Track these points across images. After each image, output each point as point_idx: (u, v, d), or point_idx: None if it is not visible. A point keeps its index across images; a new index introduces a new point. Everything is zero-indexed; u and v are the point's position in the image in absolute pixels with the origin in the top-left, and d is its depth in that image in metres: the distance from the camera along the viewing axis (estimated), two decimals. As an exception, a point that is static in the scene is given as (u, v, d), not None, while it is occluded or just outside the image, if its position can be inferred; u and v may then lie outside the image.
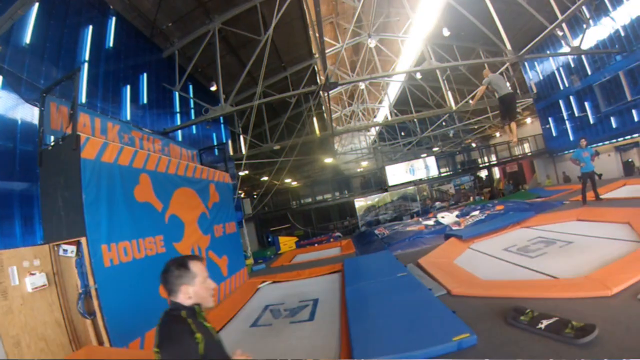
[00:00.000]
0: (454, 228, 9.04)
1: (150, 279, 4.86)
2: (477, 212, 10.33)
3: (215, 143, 12.38)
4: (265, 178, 20.09)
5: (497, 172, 20.83)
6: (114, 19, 8.16)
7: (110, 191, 4.56)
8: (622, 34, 11.77)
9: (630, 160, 14.00)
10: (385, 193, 16.23)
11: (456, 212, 11.00)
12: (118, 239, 4.50)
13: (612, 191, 10.29)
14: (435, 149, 21.03)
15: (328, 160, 18.54)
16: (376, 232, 10.72)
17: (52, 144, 4.52)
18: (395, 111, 17.09)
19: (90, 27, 7.38)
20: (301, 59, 12.73)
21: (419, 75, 14.37)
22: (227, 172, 8.54)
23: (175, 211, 5.83)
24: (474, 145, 21.02)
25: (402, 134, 20.41)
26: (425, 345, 2.92)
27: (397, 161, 18.13)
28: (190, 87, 11.40)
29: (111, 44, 8.02)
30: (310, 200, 17.29)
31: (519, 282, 4.28)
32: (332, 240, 13.17)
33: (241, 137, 13.68)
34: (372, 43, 12.19)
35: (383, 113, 19.76)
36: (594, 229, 5.93)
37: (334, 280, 6.62)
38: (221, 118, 13.39)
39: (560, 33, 12.66)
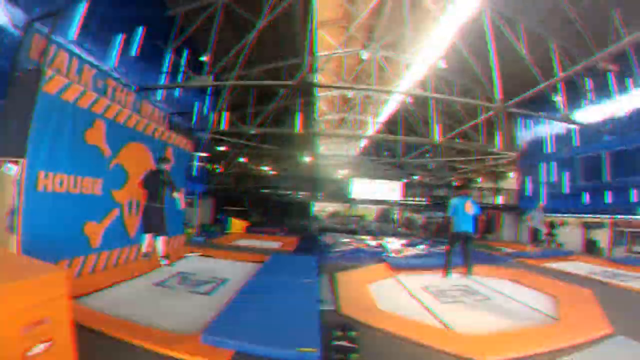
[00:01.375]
0: (391, 255, 9.80)
1: (78, 214, 5.64)
2: (423, 247, 11.17)
3: (195, 112, 13.12)
4: (242, 160, 21.02)
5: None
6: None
7: (60, 126, 5.27)
8: (617, 118, 12.55)
9: (594, 239, 14.88)
10: (352, 204, 17.12)
11: (403, 241, 11.82)
12: (56, 170, 5.21)
13: (563, 262, 10.66)
14: (415, 177, 22.05)
15: (307, 158, 19.41)
16: (322, 238, 11.53)
17: (21, 72, 5.24)
18: (383, 129, 17.98)
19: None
20: (299, 53, 13.53)
21: (409, 100, 15.26)
22: (190, 139, 9.24)
23: (122, 161, 6.57)
24: (455, 183, 22.04)
25: (387, 153, 21.34)
26: (271, 344, 3.31)
27: (371, 177, 19.04)
28: (186, 52, 12.11)
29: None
30: (273, 191, 18.04)
31: (405, 320, 4.49)
32: (280, 234, 13.95)
33: (222, 113, 14.39)
34: (364, 55, 13.00)
35: (374, 128, 20.68)
36: (520, 293, 6.31)
37: (254, 268, 7.31)
38: (209, 90, 14.18)
39: (557, 99, 13.57)
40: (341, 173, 20.25)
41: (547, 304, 5.51)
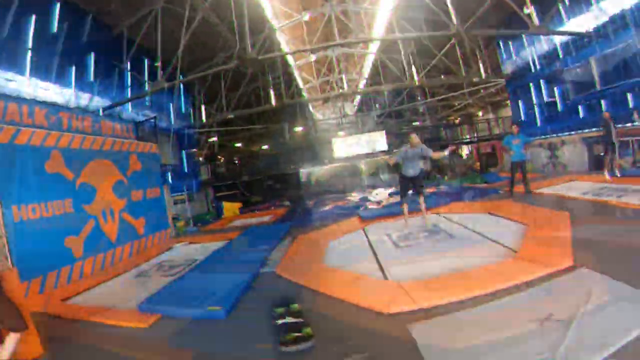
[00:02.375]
0: (369, 207, 10.57)
1: (56, 232, 7.05)
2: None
3: (171, 112, 14.31)
4: (238, 144, 22.28)
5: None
6: (58, 5, 9.83)
7: (22, 166, 6.59)
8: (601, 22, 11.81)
9: (601, 154, 14.37)
10: (337, 164, 17.84)
11: (390, 190, 12.47)
12: (28, 202, 6.55)
13: (556, 185, 10.62)
14: (415, 123, 22.06)
15: (298, 129, 20.23)
16: (309, 204, 12.54)
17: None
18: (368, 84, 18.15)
19: (35, 15, 9.16)
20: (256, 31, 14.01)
21: (373, 48, 15.30)
22: (155, 143, 10.44)
23: (87, 179, 7.86)
24: (457, 122, 21.83)
25: (377, 106, 21.45)
26: (189, 307, 4.09)
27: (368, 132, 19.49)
28: (145, 62, 13.10)
29: (57, 28, 9.79)
30: (264, 170, 19.21)
31: (341, 274, 4.72)
32: (272, 208, 15.15)
33: (199, 107, 15.46)
34: (305, 16, 13.15)
35: (361, 84, 20.82)
36: (492, 225, 6.24)
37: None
38: (181, 88, 15.23)
39: (527, 11, 12.97)
40: (339, 135, 20.86)
41: (516, 234, 5.30)
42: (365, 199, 11.77)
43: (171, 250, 9.18)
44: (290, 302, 3.67)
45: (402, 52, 14.56)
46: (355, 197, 12.63)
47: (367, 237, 6.93)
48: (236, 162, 21.22)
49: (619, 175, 8.82)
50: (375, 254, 5.61)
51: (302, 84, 20.31)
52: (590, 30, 12.13)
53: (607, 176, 8.99)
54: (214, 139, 18.62)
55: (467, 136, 20.22)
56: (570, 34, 12.75)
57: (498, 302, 3.12)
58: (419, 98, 19.57)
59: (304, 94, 20.81)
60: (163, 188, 10.57)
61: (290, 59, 17.18)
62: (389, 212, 8.79)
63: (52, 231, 6.93)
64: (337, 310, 3.53)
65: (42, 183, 6.89)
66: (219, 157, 21.05)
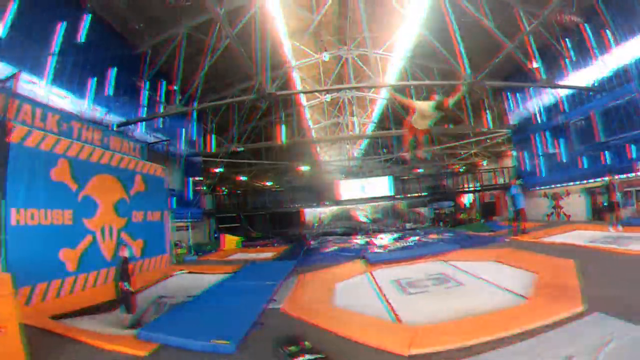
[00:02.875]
0: (373, 251, 10.19)
1: (52, 242, 6.63)
2: (414, 238, 11.53)
3: (183, 137, 14.30)
4: (244, 177, 22.15)
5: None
6: (90, 16, 10.13)
7: (28, 169, 6.34)
8: (604, 75, 12.35)
9: (603, 204, 14.36)
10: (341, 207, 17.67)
11: (395, 235, 12.22)
12: (28, 206, 6.23)
13: (561, 234, 10.48)
14: (420, 170, 22.24)
15: (304, 168, 20.26)
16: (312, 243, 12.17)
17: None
18: (376, 128, 18.49)
19: (65, 23, 9.37)
20: (273, 67, 14.45)
21: (384, 93, 15.75)
22: (162, 167, 10.24)
23: (91, 193, 7.57)
24: (460, 171, 22.04)
25: (385, 150, 21.72)
26: (190, 337, 3.84)
27: (373, 175, 19.57)
28: (164, 84, 13.30)
29: (84, 39, 9.99)
30: (267, 205, 19.03)
31: (351, 315, 4.66)
32: (275, 245, 14.67)
33: (210, 135, 15.52)
34: (325, 57, 13.67)
35: (370, 127, 21.28)
36: (499, 273, 6.29)
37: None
38: (194, 115, 15.37)
39: (535, 67, 13.52)
40: (341, 177, 20.87)
41: (525, 282, 5.30)
42: (369, 244, 11.44)
43: (171, 279, 8.64)
44: (301, 340, 3.61)
45: (414, 98, 14.90)
46: (358, 240, 12.29)
47: (375, 280, 6.83)
48: (239, 194, 20.92)
49: (620, 229, 9.10)
50: (385, 297, 5.54)
51: (312, 123, 20.65)
52: (593, 84, 12.65)
53: (610, 229, 9.35)
54: (219, 169, 18.44)
55: (471, 185, 20.24)
56: (574, 87, 13.26)
57: (517, 346, 3.11)
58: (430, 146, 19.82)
59: (314, 133, 21.08)
60: (164, 213, 10.18)
61: (303, 98, 17.62)
62: (395, 257, 8.75)
63: (48, 240, 6.54)
64: (353, 352, 3.45)
65: (45, 190, 6.63)
66: (222, 188, 20.73)
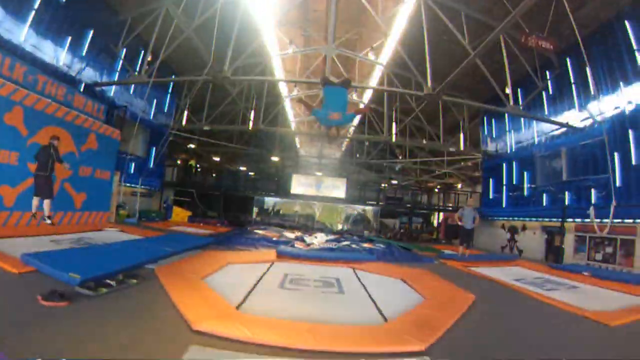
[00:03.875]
0: (296, 246, 11.28)
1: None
2: (345, 242, 12.87)
3: (153, 107, 15.76)
4: (217, 159, 23.61)
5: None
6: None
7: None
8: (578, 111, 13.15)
9: (562, 246, 15.35)
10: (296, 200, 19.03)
11: (330, 237, 13.57)
12: (-24, 143, 7.66)
13: (497, 267, 11.09)
14: (394, 181, 23.59)
15: (275, 158, 21.72)
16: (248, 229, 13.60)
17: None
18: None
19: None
20: (255, 54, 15.78)
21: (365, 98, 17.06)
22: (118, 130, 11.64)
23: (40, 140, 8.95)
24: (436, 189, 23.35)
25: (357, 155, 23.07)
26: (56, 267, 4.82)
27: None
28: (142, 52, 14.67)
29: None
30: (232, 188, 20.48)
31: (201, 291, 5.09)
32: (219, 225, 16.10)
33: (184, 111, 16.92)
34: (289, 50, 14.86)
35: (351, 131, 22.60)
36: (391, 292, 6.64)
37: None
38: (169, 87, 16.81)
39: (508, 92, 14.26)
40: (316, 173, 22.20)
41: (403, 307, 5.34)
42: (300, 239, 12.75)
43: (101, 232, 10.02)
44: (132, 277, 4.88)
45: (385, 106, 16.17)
46: (291, 235, 13.64)
47: (266, 271, 7.40)
48: (202, 172, 22.58)
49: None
50: (254, 287, 5.97)
51: (292, 116, 21.99)
52: (567, 121, 13.31)
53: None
54: (191, 145, 19.91)
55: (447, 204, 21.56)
56: (544, 120, 14.20)
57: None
58: (399, 157, 21.14)
59: (293, 126, 22.44)
60: (114, 173, 11.57)
61: (283, 90, 18.99)
62: (307, 255, 9.43)
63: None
64: (164, 310, 4.14)
65: (-4, 131, 7.99)
66: (193, 164, 22.33)
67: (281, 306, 5.04)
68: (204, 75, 11.62)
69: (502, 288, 7.63)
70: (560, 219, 14.19)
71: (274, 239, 12.03)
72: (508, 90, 13.40)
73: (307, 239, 12.84)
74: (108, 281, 4.76)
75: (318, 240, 12.85)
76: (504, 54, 12.96)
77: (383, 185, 23.94)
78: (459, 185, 23.08)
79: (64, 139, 9.69)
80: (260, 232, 13.44)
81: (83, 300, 4.14)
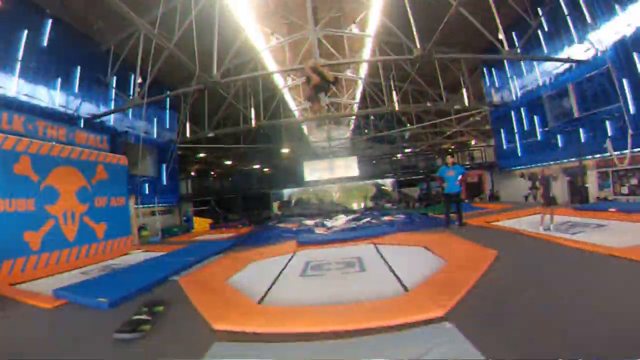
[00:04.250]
0: (317, 232, 11.55)
1: (16, 226, 8.58)
2: (365, 219, 12.98)
3: (154, 126, 16.20)
4: (228, 162, 24.06)
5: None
6: (50, 21, 11.87)
7: (-7, 166, 8.29)
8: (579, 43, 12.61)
9: (586, 185, 14.97)
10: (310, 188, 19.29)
11: (351, 217, 13.72)
12: (-7, 197, 8.21)
13: (519, 218, 10.74)
14: (407, 150, 23.42)
15: (285, 150, 21.94)
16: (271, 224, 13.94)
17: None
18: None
19: (26, 31, 11.14)
20: (243, 52, 15.87)
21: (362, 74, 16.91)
22: (123, 155, 12.11)
23: (52, 182, 9.48)
24: (450, 149, 23.02)
25: (366, 131, 22.96)
26: (86, 295, 5.30)
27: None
28: (132, 77, 15.03)
29: (45, 43, 11.76)
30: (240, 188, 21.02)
31: (225, 292, 5.39)
32: (240, 226, 16.57)
33: (186, 123, 17.32)
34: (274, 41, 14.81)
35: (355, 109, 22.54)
36: (415, 261, 6.48)
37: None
38: (167, 103, 17.19)
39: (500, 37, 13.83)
40: (329, 156, 22.40)
41: (425, 274, 5.32)
42: (320, 224, 12.94)
43: (127, 256, 10.58)
44: (158, 304, 4.62)
45: (382, 76, 16.00)
46: (311, 222, 13.85)
47: (288, 262, 7.54)
48: (217, 178, 23.18)
49: (552, 230, 8.14)
50: (275, 280, 6.14)
51: (294, 105, 22.08)
52: (568, 56, 12.95)
53: (541, 230, 8.28)
54: (201, 155, 20.42)
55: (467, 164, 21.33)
56: (543, 59, 13.83)
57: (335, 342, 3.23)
58: (407, 125, 20.91)
59: (296, 114, 22.55)
60: (128, 198, 12.09)
61: (279, 82, 19.06)
62: (329, 239, 9.60)
63: (13, 225, 8.47)
64: (189, 319, 4.24)
65: (9, 182, 8.52)
66: (207, 172, 22.94)
67: (303, 294, 5.19)
68: (193, 85, 11.81)
69: (525, 239, 7.39)
70: (579, 157, 13.88)
71: (294, 229, 12.28)
72: (501, 36, 12.98)
73: (328, 222, 13.04)
74: (141, 317, 4.31)
75: (339, 222, 13.03)
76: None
77: (398, 155, 23.82)
78: (473, 142, 22.73)
79: (74, 176, 10.23)
80: (280, 225, 13.72)
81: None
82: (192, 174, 23.55)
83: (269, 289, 5.51)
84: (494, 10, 12.24)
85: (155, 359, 3.35)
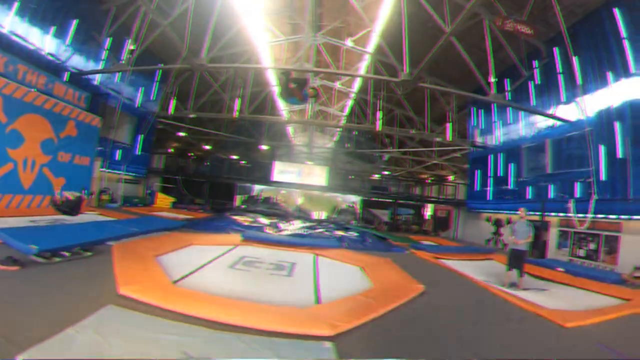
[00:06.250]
0: (266, 231, 12.32)
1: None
2: (319, 230, 13.69)
3: (140, 95, 16.74)
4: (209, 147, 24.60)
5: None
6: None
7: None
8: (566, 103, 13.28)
9: (542, 240, 15.46)
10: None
11: (306, 225, 14.40)
12: (-43, 129, 8.64)
13: (471, 260, 11.53)
14: (386, 172, 24.32)
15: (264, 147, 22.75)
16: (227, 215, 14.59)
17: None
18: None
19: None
20: (238, 42, 16.50)
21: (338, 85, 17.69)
22: (97, 116, 12.58)
23: (19, 127, 9.92)
24: (429, 180, 23.99)
25: (347, 145, 23.86)
26: (20, 240, 5.50)
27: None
28: (127, 41, 15.52)
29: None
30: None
31: (152, 267, 5.80)
32: (199, 211, 17.17)
33: (171, 99, 17.81)
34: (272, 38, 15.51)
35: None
36: (338, 276, 7.15)
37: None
38: (157, 75, 17.72)
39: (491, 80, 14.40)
40: (306, 162, 23.20)
41: (346, 291, 5.70)
42: (274, 225, 13.60)
43: (80, 214, 10.99)
44: (89, 250, 5.77)
45: (370, 95, 16.80)
46: (266, 221, 14.52)
47: (225, 253, 8.07)
48: (191, 159, 23.78)
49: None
50: (202, 266, 6.63)
51: (282, 105, 22.81)
52: (553, 112, 13.51)
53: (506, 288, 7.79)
54: (182, 133, 20.94)
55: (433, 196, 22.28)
56: (528, 110, 14.54)
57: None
58: (389, 147, 21.75)
59: (286, 114, 23.28)
60: (94, 159, 12.54)
61: (271, 79, 19.80)
62: (276, 240, 10.20)
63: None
64: (102, 276, 4.96)
65: (-25, 118, 8.96)
66: (187, 152, 23.49)
67: (222, 284, 5.52)
68: (179, 64, 12.34)
69: (462, 281, 7.69)
70: (545, 213, 14.55)
71: (246, 224, 12.88)
72: (492, 79, 13.30)
73: (283, 225, 13.66)
74: (63, 252, 5.72)
75: (293, 227, 13.65)
76: (488, 41, 13.04)
77: (376, 175, 24.71)
78: (452, 178, 23.64)
79: (42, 126, 10.68)
80: (236, 218, 14.35)
81: (36, 266, 5.08)
82: (170, 151, 24.01)
83: (190, 273, 6.05)
84: (489, 53, 12.93)
85: (49, 296, 4.00)
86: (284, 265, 7.46)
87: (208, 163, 25.39)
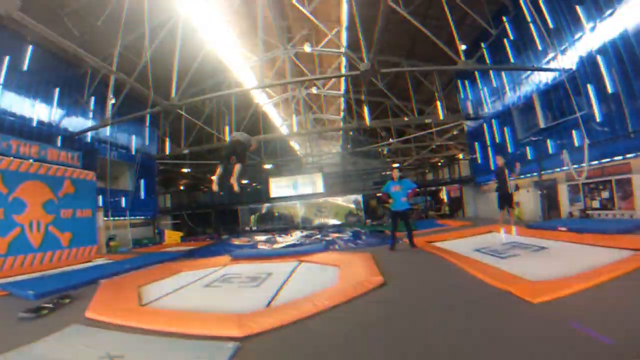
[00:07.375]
0: (260, 247, 13.29)
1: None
2: (316, 236, 14.52)
3: (134, 144, 18.47)
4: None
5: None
6: (30, 47, 14.24)
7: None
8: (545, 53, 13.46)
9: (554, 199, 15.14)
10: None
11: (304, 234, 15.25)
12: (-34, 206, 10.33)
13: (470, 237, 10.91)
14: (395, 165, 24.77)
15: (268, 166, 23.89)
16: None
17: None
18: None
19: (9, 57, 13.48)
20: (217, 71, 17.92)
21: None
22: (92, 172, 14.20)
23: (20, 195, 11.56)
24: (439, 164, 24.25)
25: (349, 146, 24.59)
26: (21, 288, 7.03)
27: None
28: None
29: (25, 67, 14.11)
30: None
31: (131, 296, 6.24)
32: (207, 240, 18.39)
33: (165, 139, 19.50)
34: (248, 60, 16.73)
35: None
36: (313, 281, 6.99)
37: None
38: (148, 120, 19.45)
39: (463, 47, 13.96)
40: (314, 172, 24.23)
41: (308, 293, 5.72)
42: (270, 240, 14.54)
43: (90, 263, 12.47)
44: (66, 297, 6.31)
45: (352, 92, 17.67)
46: (262, 237, 15.45)
47: (210, 274, 8.54)
48: (192, 192, 25.51)
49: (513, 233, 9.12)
50: (180, 288, 7.17)
51: (280, 121, 24.04)
52: (532, 65, 13.83)
53: (502, 233, 9.39)
54: (186, 170, 22.64)
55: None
56: (506, 68, 14.94)
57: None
58: (390, 140, 22.29)
59: (284, 129, 24.47)
60: (96, 210, 14.11)
61: (260, 98, 21.10)
62: (265, 254, 10.94)
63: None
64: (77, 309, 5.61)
65: (-20, 194, 10.64)
66: (195, 187, 25.24)
67: (188, 302, 5.97)
68: (149, 109, 13.79)
69: (442, 264, 7.32)
70: (550, 171, 14.54)
71: (241, 244, 13.92)
72: (463, 47, 13.38)
73: (281, 238, 14.59)
74: (45, 305, 5.95)
75: (291, 238, 14.53)
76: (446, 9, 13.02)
77: (386, 172, 25.33)
78: (461, 156, 23.74)
79: (41, 190, 12.30)
80: (233, 240, 15.47)
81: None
82: (181, 188, 25.80)
83: (165, 295, 6.66)
84: (450, 21, 13.29)
85: (28, 330, 4.87)
86: (260, 277, 7.67)
87: (222, 193, 26.90)
